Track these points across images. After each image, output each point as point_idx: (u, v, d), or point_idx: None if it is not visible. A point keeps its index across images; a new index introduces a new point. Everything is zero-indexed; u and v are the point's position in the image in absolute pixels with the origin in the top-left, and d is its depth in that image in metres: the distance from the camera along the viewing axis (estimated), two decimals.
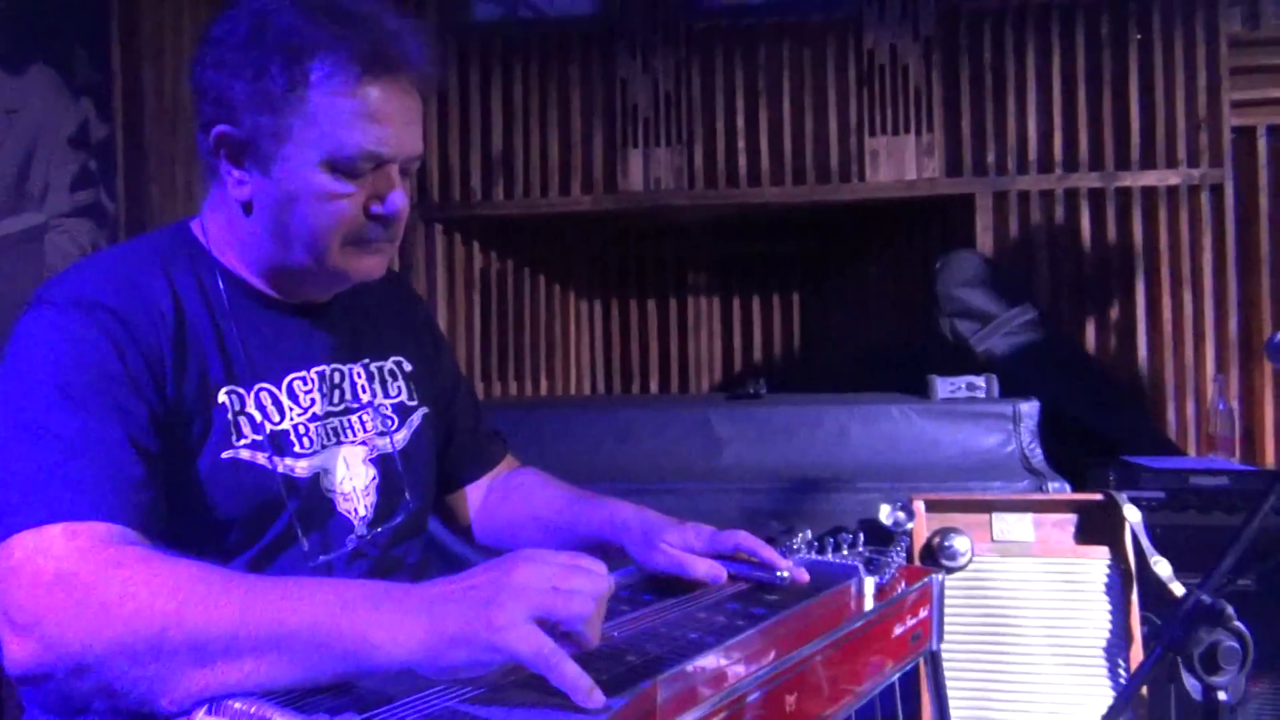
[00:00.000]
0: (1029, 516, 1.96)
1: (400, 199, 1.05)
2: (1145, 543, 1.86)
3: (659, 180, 3.04)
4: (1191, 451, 2.75)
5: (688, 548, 1.10)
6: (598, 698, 0.71)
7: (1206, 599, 1.05)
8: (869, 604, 1.07)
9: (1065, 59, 2.90)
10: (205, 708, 0.70)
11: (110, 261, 1.04)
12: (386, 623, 0.74)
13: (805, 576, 1.08)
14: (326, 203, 1.01)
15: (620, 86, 3.05)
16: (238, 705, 0.68)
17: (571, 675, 0.71)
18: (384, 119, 1.01)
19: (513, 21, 3.09)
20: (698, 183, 3.03)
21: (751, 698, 0.82)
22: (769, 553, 1.08)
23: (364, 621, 0.74)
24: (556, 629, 0.74)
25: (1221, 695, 1.06)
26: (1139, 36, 2.85)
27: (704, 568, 1.08)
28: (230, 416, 1.02)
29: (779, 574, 1.06)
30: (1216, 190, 2.82)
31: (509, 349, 3.30)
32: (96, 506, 0.85)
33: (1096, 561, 1.91)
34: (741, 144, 3.02)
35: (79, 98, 2.21)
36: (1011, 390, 2.43)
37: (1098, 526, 1.93)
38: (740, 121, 3.03)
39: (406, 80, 1.03)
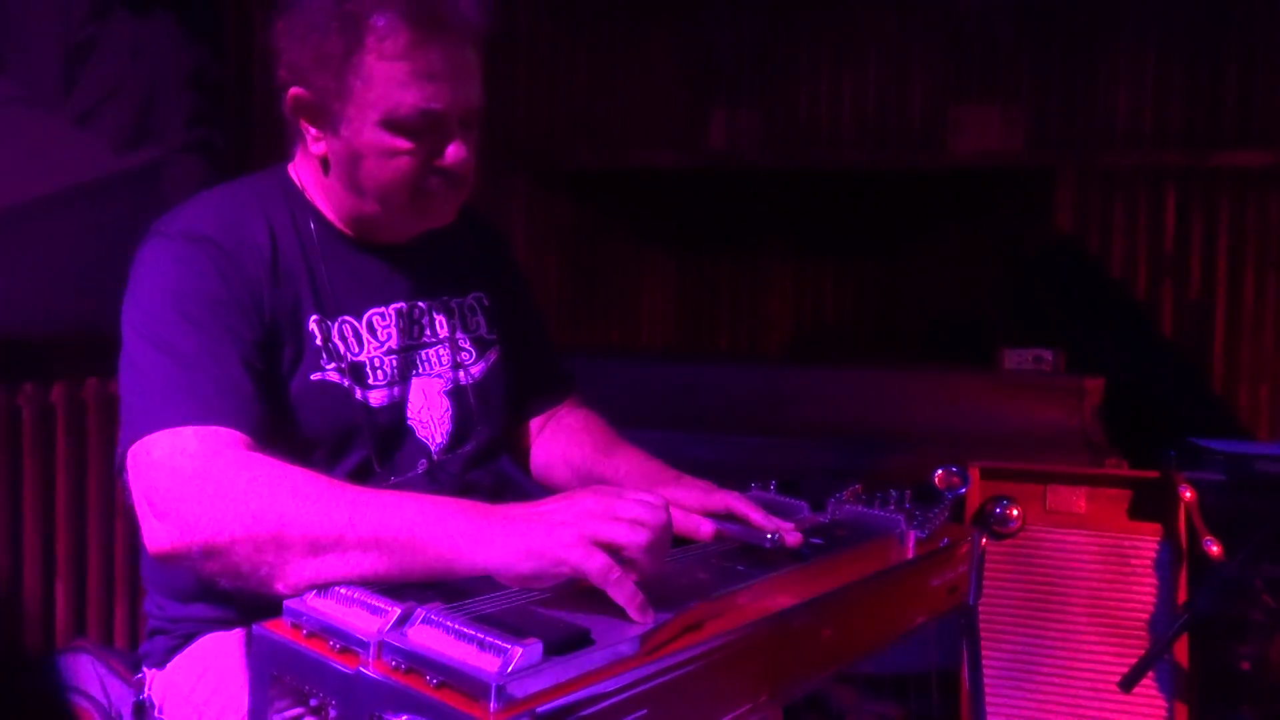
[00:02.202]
0: (1083, 489, 1.98)
1: (459, 152, 1.10)
2: (1198, 523, 1.88)
3: (740, 140, 3.08)
4: (1263, 437, 2.73)
5: (679, 504, 1.11)
6: (649, 615, 0.80)
7: (1237, 572, 1.10)
8: (909, 554, 1.14)
9: (1163, 30, 2.84)
10: (315, 592, 0.81)
11: (216, 200, 1.15)
12: (471, 533, 0.84)
13: (796, 540, 1.05)
14: (389, 159, 1.09)
15: (707, 46, 3.08)
16: (343, 591, 0.79)
17: (628, 592, 0.80)
18: (436, 77, 1.06)
19: None
20: (779, 144, 3.06)
21: (789, 626, 0.91)
22: (759, 516, 1.09)
23: (453, 531, 0.84)
24: (619, 554, 0.82)
25: (1245, 665, 1.11)
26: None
27: (687, 525, 1.08)
28: (319, 343, 1.12)
29: (768, 536, 1.06)
30: None
31: (584, 299, 3.40)
32: (220, 414, 0.96)
33: (1148, 538, 1.93)
34: (824, 107, 3.04)
35: (196, 41, 2.35)
36: (1080, 365, 2.43)
37: (1152, 504, 1.94)
38: (824, 84, 3.04)
39: (458, 36, 1.08)
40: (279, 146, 1.24)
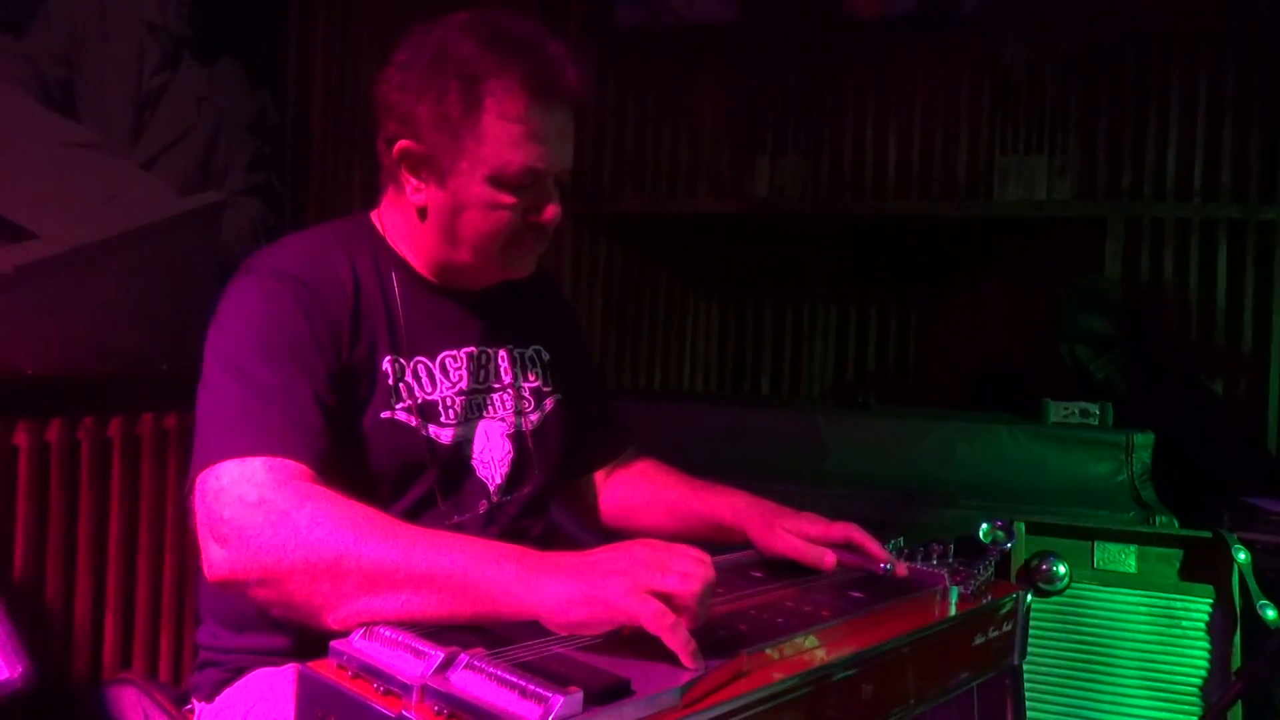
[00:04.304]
0: (1132, 548, 1.94)
1: (555, 210, 1.18)
2: (1253, 585, 1.83)
3: (785, 187, 3.10)
4: None
5: (803, 535, 1.19)
6: (700, 662, 0.81)
7: None
8: (951, 611, 1.13)
9: (1213, 84, 2.82)
10: (361, 632, 0.83)
11: (305, 242, 1.21)
12: (524, 577, 0.86)
13: (905, 571, 1.16)
14: (491, 211, 1.15)
15: (753, 92, 3.12)
16: (388, 633, 0.81)
17: (682, 638, 0.81)
18: (545, 139, 1.14)
19: (653, 25, 3.19)
20: (823, 191, 3.07)
21: (829, 681, 0.91)
22: (875, 546, 1.17)
23: (505, 573, 0.86)
24: (671, 602, 0.84)
25: None
26: None
27: (813, 555, 1.16)
28: (392, 382, 1.16)
29: (883, 566, 1.15)
30: None
31: (628, 341, 3.42)
32: (290, 447, 0.99)
33: (1199, 600, 1.89)
34: (870, 155, 3.05)
35: (258, 88, 2.43)
36: (1128, 420, 2.39)
37: (1204, 565, 1.89)
38: (870, 132, 3.05)
39: (565, 103, 1.16)
40: (333, 189, 1.29)
